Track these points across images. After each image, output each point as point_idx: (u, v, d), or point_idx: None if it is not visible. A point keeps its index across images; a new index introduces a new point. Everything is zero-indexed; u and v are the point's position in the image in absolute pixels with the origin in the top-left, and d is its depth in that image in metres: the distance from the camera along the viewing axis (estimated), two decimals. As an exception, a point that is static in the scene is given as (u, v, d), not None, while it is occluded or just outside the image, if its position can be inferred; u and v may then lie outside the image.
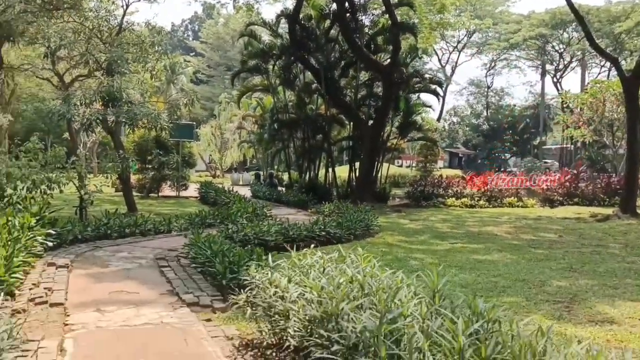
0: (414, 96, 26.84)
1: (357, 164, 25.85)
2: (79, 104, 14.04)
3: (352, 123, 26.79)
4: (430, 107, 29.62)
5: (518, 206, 22.95)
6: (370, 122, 25.42)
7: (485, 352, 2.66)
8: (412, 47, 24.90)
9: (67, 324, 5.20)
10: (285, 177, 36.62)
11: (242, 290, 5.24)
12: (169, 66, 51.79)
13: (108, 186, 14.95)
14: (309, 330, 3.81)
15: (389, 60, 24.58)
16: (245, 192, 23.74)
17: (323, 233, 11.26)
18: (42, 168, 10.68)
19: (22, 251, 6.66)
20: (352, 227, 12.27)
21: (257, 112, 40.65)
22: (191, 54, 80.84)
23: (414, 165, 41.90)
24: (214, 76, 77.27)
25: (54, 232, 8.53)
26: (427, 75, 29.70)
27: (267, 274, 4.86)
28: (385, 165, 27.32)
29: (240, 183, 39.23)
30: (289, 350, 4.14)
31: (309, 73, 27.51)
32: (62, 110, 13.51)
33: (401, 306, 3.35)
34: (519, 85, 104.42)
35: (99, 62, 16.26)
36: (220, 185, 25.00)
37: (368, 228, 13.21)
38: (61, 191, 10.87)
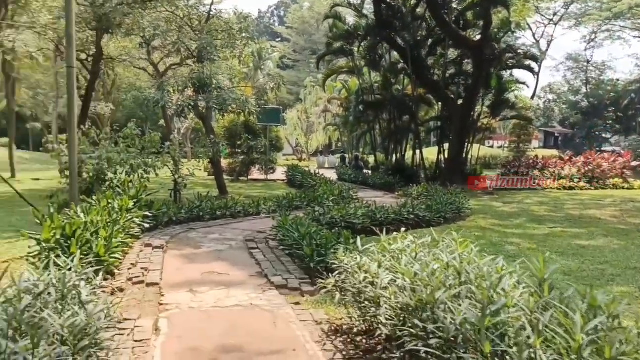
0: (506, 73, 25.50)
1: (446, 145, 25.07)
2: (172, 91, 14.56)
3: (440, 103, 25.96)
4: (524, 84, 27.97)
5: (623, 188, 21.23)
6: (460, 101, 24.48)
7: (610, 352, 2.32)
8: (504, 22, 23.53)
9: (161, 304, 5.33)
10: (371, 159, 36.33)
11: (330, 273, 5.13)
12: (256, 52, 52.85)
13: (200, 170, 15.42)
14: (401, 319, 3.59)
15: (479, 36, 23.46)
16: (331, 175, 23.73)
17: (412, 216, 10.94)
18: (139, 153, 11.17)
19: (120, 232, 6.95)
20: (442, 210, 11.83)
21: (342, 95, 40.56)
22: (277, 40, 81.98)
23: (506, 145, 40.00)
24: (300, 61, 77.93)
25: (150, 215, 8.88)
26: (520, 51, 27.99)
27: (356, 258, 4.68)
28: (475, 146, 26.29)
29: (326, 166, 39.40)
30: (381, 338, 3.96)
31: (395, 53, 26.92)
32: (157, 97, 14.04)
33: (505, 296, 3.04)
34: (623, 58, 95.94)
35: (190, 50, 16.75)
36: (307, 169, 25.18)
37: (459, 211, 12.70)
38: (157, 175, 11.34)
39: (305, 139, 52.07)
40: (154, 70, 23.79)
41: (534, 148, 40.14)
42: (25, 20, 21.57)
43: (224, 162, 23.65)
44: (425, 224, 11.11)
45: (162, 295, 5.56)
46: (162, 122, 39.27)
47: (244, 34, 17.43)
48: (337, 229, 9.73)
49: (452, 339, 2.89)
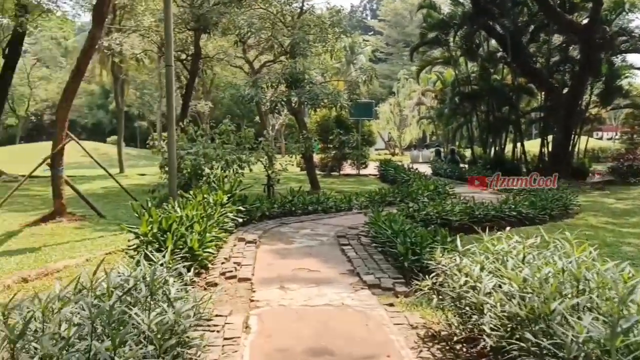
0: (618, 58, 23.38)
1: (550, 137, 23.54)
2: (265, 87, 14.72)
3: (543, 92, 24.41)
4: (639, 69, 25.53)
5: None
6: (565, 90, 22.85)
7: None
8: (617, 2, 21.58)
9: (252, 300, 5.27)
10: (467, 153, 34.99)
11: (425, 274, 4.81)
12: (348, 46, 52.75)
13: (293, 165, 15.52)
14: (509, 330, 3.21)
15: (587, 19, 21.72)
16: (425, 169, 23.03)
17: (514, 213, 10.24)
18: (234, 149, 11.37)
19: (214, 227, 7.02)
20: (547, 207, 11.00)
21: (436, 87, 39.42)
22: (370, 33, 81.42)
23: (616, 137, 36.92)
24: (392, 53, 76.93)
25: (243, 209, 8.96)
26: (635, 33, 25.60)
27: (455, 259, 4.32)
28: (582, 138, 24.44)
29: (420, 160, 38.48)
30: (484, 349, 3.58)
31: (493, 41, 25.70)
32: (251, 94, 14.25)
33: (638, 312, 2.58)
34: None
35: (283, 46, 16.87)
36: (400, 163, 24.69)
37: (566, 208, 11.76)
38: (250, 170, 11.50)
39: (398, 132, 51.27)
40: (249, 68, 24.34)
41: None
42: (131, 24, 22.90)
43: (316, 157, 23.75)
44: (528, 221, 10.37)
45: (254, 292, 5.51)
46: (257, 118, 40.32)
47: (335, 28, 17.27)
48: (432, 226, 9.32)
49: (573, 359, 2.48)
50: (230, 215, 8.09)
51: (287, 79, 14.52)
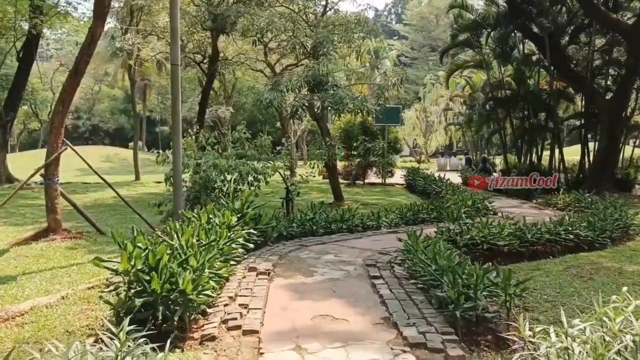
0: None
1: (591, 145, 21.87)
2: (285, 90, 13.51)
3: (583, 97, 22.73)
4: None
5: None
6: (609, 94, 21.17)
7: None
8: (667, -1, 19.92)
9: (258, 367, 4.00)
10: (497, 161, 33.32)
11: (480, 326, 3.47)
12: (372, 51, 51.45)
13: (314, 177, 14.27)
14: None
15: (633, 18, 20.05)
16: (454, 178, 21.51)
17: (570, 236, 8.77)
18: (249, 158, 10.15)
19: (218, 258, 5.77)
20: (607, 228, 9.48)
21: (465, 92, 37.84)
22: (394, 38, 79.98)
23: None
24: (418, 58, 75.31)
25: (255, 233, 7.68)
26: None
27: (552, 339, 2.95)
28: (628, 146, 22.70)
29: (448, 168, 36.90)
30: None
31: (528, 44, 24.14)
32: (270, 97, 13.06)
33: None
34: None
35: (305, 46, 15.64)
36: (427, 172, 23.27)
37: (627, 228, 10.23)
38: (267, 182, 10.24)
39: (424, 139, 49.65)
40: (270, 72, 23.16)
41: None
42: (149, 26, 21.96)
43: (340, 165, 22.45)
44: (587, 246, 8.89)
45: (261, 354, 4.21)
46: (279, 124, 39.18)
47: (362, 28, 16.00)
48: (477, 252, 7.96)
49: None
50: (240, 240, 6.83)
51: (310, 81, 13.29)
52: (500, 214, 12.54)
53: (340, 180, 19.62)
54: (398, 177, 24.27)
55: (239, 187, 10.13)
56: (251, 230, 7.38)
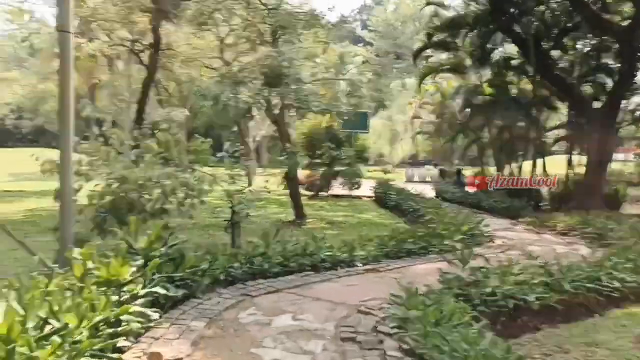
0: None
1: (575, 158, 20.14)
2: (235, 84, 10.89)
3: (569, 106, 20.95)
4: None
5: None
6: (596, 103, 19.41)
7: None
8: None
9: None
10: (467, 172, 31.39)
11: None
12: (337, 56, 49.18)
13: (269, 192, 11.69)
14: None
15: (626, 21, 18.36)
16: (423, 189, 19.20)
17: (615, 283, 6.42)
18: (177, 166, 7.46)
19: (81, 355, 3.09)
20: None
21: (435, 99, 35.85)
22: (360, 45, 78.13)
23: (632, 158, 33.68)
24: (384, 65, 73.58)
25: (175, 281, 5.02)
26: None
27: None
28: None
29: (416, 179, 34.77)
30: None
31: (508, 47, 22.26)
32: (217, 92, 10.40)
33: None
34: None
35: (263, 34, 13.03)
36: (395, 183, 21.06)
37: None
38: (202, 202, 7.54)
39: (390, 148, 47.58)
40: (221, 66, 20.35)
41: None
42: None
43: (302, 174, 19.89)
44: (634, 296, 6.59)
45: None
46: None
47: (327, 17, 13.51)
48: (496, 307, 5.53)
49: None
50: (138, 307, 4.14)
51: (266, 73, 10.69)
52: (499, 242, 10.26)
53: (302, 192, 17.09)
54: (365, 188, 21.90)
55: (166, 206, 7.44)
56: (157, 290, 4.62)
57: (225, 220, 8.42)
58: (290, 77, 10.86)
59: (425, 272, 7.19)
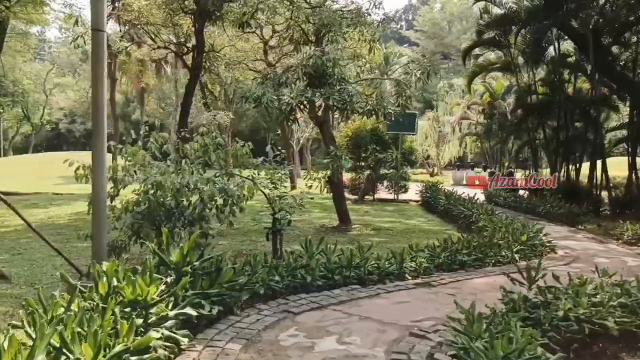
0: None
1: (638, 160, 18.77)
2: (277, 85, 10.49)
3: (630, 105, 19.60)
4: None
5: None
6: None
7: None
8: None
9: None
10: (518, 175, 30.08)
11: None
12: (382, 57, 48.48)
13: (312, 198, 11.24)
14: None
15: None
16: (471, 192, 18.29)
17: None
18: (215, 171, 7.07)
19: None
20: None
21: (484, 100, 34.65)
22: (405, 45, 77.01)
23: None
24: (430, 66, 72.26)
25: (210, 297, 4.60)
26: None
27: None
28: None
29: (464, 182, 33.69)
30: None
31: (564, 43, 21.06)
32: (257, 93, 10.03)
33: None
34: None
35: (307, 33, 12.61)
36: (444, 186, 20.25)
37: None
38: (241, 209, 7.13)
39: (437, 150, 46.44)
40: (265, 68, 20.07)
41: None
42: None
43: (346, 177, 19.35)
44: None
45: None
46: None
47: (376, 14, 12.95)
48: (568, 332, 4.84)
49: None
50: (167, 330, 3.73)
51: (310, 73, 10.24)
52: (561, 252, 9.45)
53: (347, 195, 16.56)
54: (412, 191, 21.18)
55: (205, 214, 7.08)
56: (188, 312, 4.19)
57: (265, 228, 7.99)
58: (335, 77, 10.38)
59: (483, 287, 6.55)
